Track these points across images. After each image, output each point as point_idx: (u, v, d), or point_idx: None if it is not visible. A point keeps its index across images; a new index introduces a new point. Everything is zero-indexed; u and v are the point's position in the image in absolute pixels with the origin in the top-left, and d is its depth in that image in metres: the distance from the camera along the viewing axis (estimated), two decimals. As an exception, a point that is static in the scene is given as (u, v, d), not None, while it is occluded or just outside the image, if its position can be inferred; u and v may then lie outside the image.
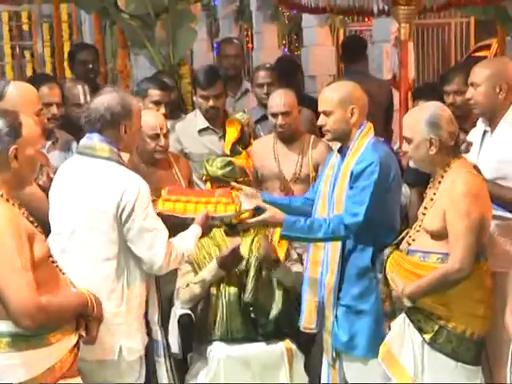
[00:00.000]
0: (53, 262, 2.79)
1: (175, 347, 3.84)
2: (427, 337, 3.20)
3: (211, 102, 4.59)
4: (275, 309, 3.86)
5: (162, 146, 4.00)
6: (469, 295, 3.19)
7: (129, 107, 3.24)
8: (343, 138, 3.59)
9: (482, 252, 3.25)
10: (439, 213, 3.20)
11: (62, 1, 7.84)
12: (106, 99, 3.23)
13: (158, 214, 3.41)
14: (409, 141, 3.30)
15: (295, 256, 4.06)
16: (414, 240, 3.28)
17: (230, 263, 3.82)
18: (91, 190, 3.18)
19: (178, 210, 3.55)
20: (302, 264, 4.09)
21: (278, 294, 3.88)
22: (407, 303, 3.24)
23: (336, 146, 3.73)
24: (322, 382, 3.80)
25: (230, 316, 3.83)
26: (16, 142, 2.64)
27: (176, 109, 5.19)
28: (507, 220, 3.54)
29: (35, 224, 2.73)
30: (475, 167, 3.38)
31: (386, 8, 4.82)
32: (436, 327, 3.19)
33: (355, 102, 3.52)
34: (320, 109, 3.57)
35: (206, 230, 3.59)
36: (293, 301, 3.93)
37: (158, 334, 3.52)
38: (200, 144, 4.68)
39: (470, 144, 3.33)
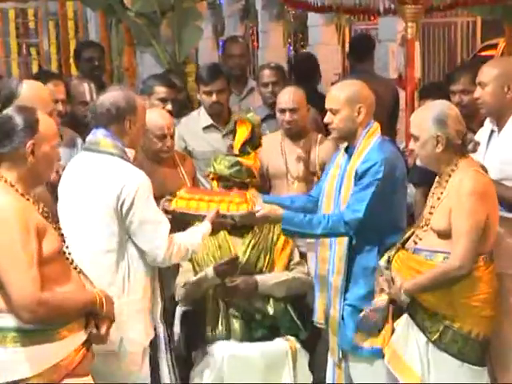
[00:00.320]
0: (67, 258, 2.79)
1: (179, 344, 3.86)
2: (432, 337, 3.20)
3: (214, 97, 4.61)
4: (270, 311, 3.86)
5: (169, 147, 4.02)
6: (475, 296, 3.18)
7: (133, 103, 3.31)
8: (349, 137, 3.58)
9: (489, 252, 3.24)
10: (446, 212, 3.19)
11: (68, -2, 7.87)
12: (112, 95, 3.31)
13: (172, 212, 3.53)
14: (416, 138, 3.29)
15: (297, 259, 4.05)
16: (420, 239, 3.28)
17: (226, 273, 3.82)
18: (93, 183, 3.25)
19: (191, 207, 3.60)
20: (307, 262, 4.11)
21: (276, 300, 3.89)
22: (405, 299, 3.24)
23: (343, 145, 3.73)
24: (327, 381, 3.80)
25: (228, 318, 3.83)
26: (33, 138, 2.66)
27: (184, 108, 5.19)
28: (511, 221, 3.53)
29: (50, 220, 2.73)
30: (482, 167, 3.37)
31: (392, 7, 4.81)
32: (441, 327, 3.19)
33: (363, 101, 3.51)
34: (327, 106, 3.57)
35: (217, 228, 3.60)
36: (291, 300, 3.93)
37: (160, 329, 3.55)
38: (204, 142, 4.69)
39: (477, 143, 3.32)
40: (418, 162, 3.55)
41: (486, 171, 3.37)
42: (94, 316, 2.78)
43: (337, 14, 8.99)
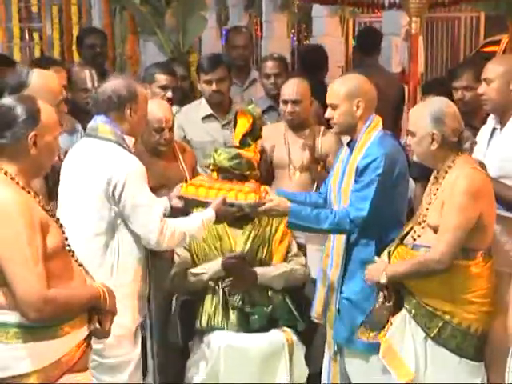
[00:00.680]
0: (69, 251, 2.74)
1: (175, 334, 3.87)
2: (431, 332, 3.21)
3: (214, 86, 4.61)
4: (269, 304, 3.87)
5: (166, 139, 4.01)
6: (474, 291, 3.19)
7: (134, 91, 3.37)
8: (350, 132, 3.58)
9: (488, 249, 3.25)
10: (440, 208, 3.20)
11: (71, -17, 7.83)
12: (113, 83, 3.37)
13: (180, 198, 3.58)
14: (412, 135, 3.30)
15: (295, 250, 4.06)
16: (419, 236, 3.28)
17: (234, 268, 3.83)
18: (86, 167, 3.31)
19: (200, 194, 3.63)
20: (305, 254, 4.12)
21: (275, 291, 3.91)
22: (384, 282, 3.25)
23: (345, 137, 3.73)
24: (322, 374, 3.81)
25: (224, 309, 3.83)
26: (35, 129, 2.59)
27: (187, 97, 5.19)
28: (509, 220, 3.53)
29: (51, 213, 2.68)
30: (481, 164, 3.37)
31: (397, 1, 4.81)
32: (440, 323, 3.19)
33: (361, 96, 3.50)
34: (327, 102, 3.57)
35: (223, 216, 3.59)
36: (290, 292, 3.95)
37: (144, 310, 3.54)
38: (202, 131, 4.69)
39: (474, 142, 3.32)
40: (415, 158, 3.56)
41: (485, 168, 3.37)
42: (97, 311, 2.73)
43: (341, 6, 8.98)
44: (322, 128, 4.47)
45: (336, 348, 3.65)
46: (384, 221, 3.45)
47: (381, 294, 3.33)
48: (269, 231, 3.97)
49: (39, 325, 2.54)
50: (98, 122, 3.35)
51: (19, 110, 2.59)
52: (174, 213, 3.60)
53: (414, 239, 3.30)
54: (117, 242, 3.33)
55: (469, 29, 12.51)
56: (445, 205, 3.17)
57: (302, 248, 4.15)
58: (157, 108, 3.92)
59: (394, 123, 5.51)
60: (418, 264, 3.21)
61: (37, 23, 9.11)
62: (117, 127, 3.34)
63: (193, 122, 4.72)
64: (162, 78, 4.53)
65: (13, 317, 2.52)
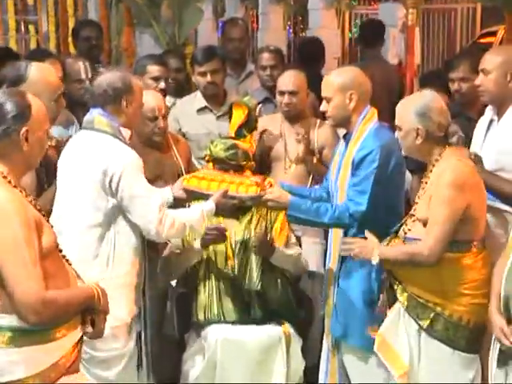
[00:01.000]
0: (60, 251, 2.67)
1: (171, 326, 3.87)
2: (424, 324, 3.21)
3: (209, 78, 4.62)
4: (274, 294, 3.86)
5: (160, 128, 4.00)
6: (465, 283, 3.18)
7: (130, 83, 3.39)
8: (344, 124, 3.58)
9: (481, 240, 3.24)
10: (427, 201, 3.20)
11: (67, -24, 7.81)
12: (108, 76, 3.39)
13: (183, 189, 3.60)
14: (399, 129, 3.29)
15: (293, 240, 4.06)
16: (409, 229, 3.29)
17: (211, 241, 3.78)
18: (82, 159, 3.33)
19: (202, 186, 3.63)
20: (300, 246, 4.11)
21: (279, 279, 3.89)
22: (374, 260, 3.25)
23: (341, 130, 3.73)
24: (321, 366, 3.82)
25: (221, 300, 3.83)
26: (26, 124, 2.50)
27: (183, 89, 5.17)
28: (503, 212, 3.53)
29: (42, 212, 2.62)
30: (476, 156, 3.36)
31: (395, -8, 4.81)
32: (432, 314, 3.20)
33: (354, 88, 3.50)
34: (322, 95, 3.58)
35: (223, 208, 3.59)
36: (291, 284, 3.94)
37: (139, 301, 3.52)
38: (197, 123, 4.69)
39: (461, 136, 3.29)
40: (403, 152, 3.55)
41: (481, 161, 3.36)
42: (90, 311, 2.66)
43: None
44: (318, 120, 4.46)
45: (334, 341, 3.66)
46: (381, 213, 3.44)
47: (381, 296, 3.35)
48: (268, 221, 3.96)
49: (35, 328, 2.46)
50: (95, 114, 3.37)
51: (9, 106, 2.50)
52: (177, 204, 3.61)
53: (405, 232, 3.30)
54: (113, 234, 3.34)
55: (465, 20, 12.48)
56: (431, 200, 3.17)
57: (298, 240, 4.14)
58: (150, 97, 3.90)
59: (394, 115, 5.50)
60: (406, 254, 3.22)
61: (32, 16, 9.09)
62: (113, 120, 3.35)
63: (188, 114, 4.72)
64: (153, 69, 4.53)
65: (8, 320, 2.45)
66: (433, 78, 4.45)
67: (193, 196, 3.67)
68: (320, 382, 3.83)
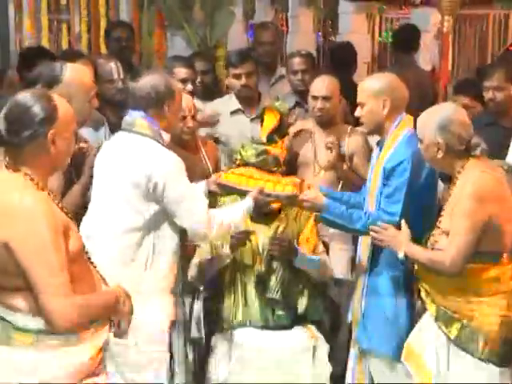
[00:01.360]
0: (86, 252, 2.67)
1: (198, 330, 3.86)
2: (452, 335, 3.18)
3: (243, 81, 4.63)
4: (301, 304, 3.85)
5: (189, 128, 4.02)
6: (491, 295, 3.16)
7: (172, 87, 3.38)
8: (378, 131, 3.57)
9: (509, 252, 3.20)
10: (450, 213, 3.18)
11: (99, -24, 7.83)
12: (151, 79, 3.37)
13: (219, 185, 3.63)
14: (420, 141, 3.26)
15: (321, 249, 4.03)
16: (436, 241, 3.26)
17: (238, 243, 3.78)
18: (123, 162, 3.30)
19: (239, 182, 3.68)
20: (328, 254, 4.09)
21: (305, 286, 3.87)
22: (400, 255, 3.24)
23: (373, 137, 3.71)
24: (347, 373, 3.82)
25: (247, 304, 3.83)
26: (53, 127, 2.48)
27: (211, 92, 5.17)
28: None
29: (69, 215, 2.60)
30: (509, 166, 3.31)
31: (430, -2, 4.77)
32: (460, 326, 3.17)
33: (388, 94, 3.48)
34: (357, 100, 3.57)
35: (260, 206, 3.60)
36: (319, 289, 3.92)
37: (176, 305, 3.53)
38: (231, 125, 4.70)
39: (483, 149, 3.23)
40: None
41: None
42: (115, 313, 2.66)
43: (369, 1, 8.90)
44: (349, 127, 4.45)
45: (359, 349, 3.64)
46: (414, 223, 3.40)
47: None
48: (296, 228, 3.94)
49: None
50: (136, 116, 3.34)
51: (37, 109, 2.46)
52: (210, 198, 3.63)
53: (432, 244, 3.28)
54: (152, 238, 3.31)
55: (497, 26, 12.38)
56: (453, 210, 3.15)
57: (326, 247, 4.13)
58: None
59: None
60: (429, 260, 3.20)
61: (65, 15, 9.13)
62: (154, 123, 3.33)
63: (221, 116, 4.73)
64: (181, 71, 4.55)
65: (34, 322, 2.45)
66: (467, 86, 4.41)
67: (229, 191, 3.69)
68: (346, 388, 3.83)
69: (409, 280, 3.45)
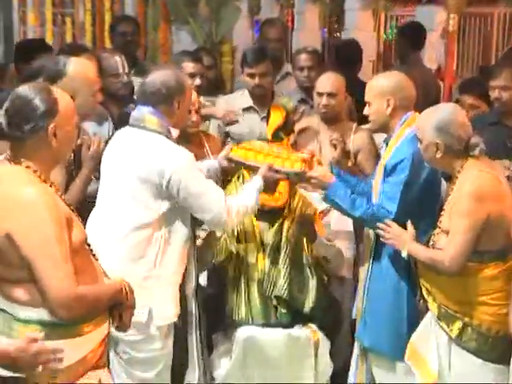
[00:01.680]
0: (88, 245, 2.67)
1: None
2: (453, 334, 3.19)
3: (257, 80, 4.62)
4: (307, 303, 3.84)
5: (193, 122, 4.01)
6: (491, 293, 3.16)
7: (183, 83, 3.35)
8: (384, 129, 3.58)
9: (505, 251, 3.20)
10: (450, 212, 3.19)
11: (104, -30, 7.83)
12: (162, 74, 3.34)
13: (229, 160, 3.60)
14: (420, 141, 3.26)
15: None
16: (436, 240, 3.27)
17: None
18: (134, 158, 3.26)
19: (248, 158, 3.63)
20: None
21: (312, 284, 3.87)
22: (403, 253, 3.26)
23: (379, 135, 3.71)
24: (350, 370, 3.82)
25: (250, 302, 3.82)
26: (54, 120, 2.48)
27: (214, 87, 5.16)
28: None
29: (71, 207, 2.61)
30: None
31: (436, -4, 4.77)
32: (461, 325, 3.18)
33: (393, 94, 3.48)
34: (365, 99, 3.57)
35: (269, 182, 3.57)
36: (325, 287, 3.92)
37: (192, 305, 3.54)
38: (242, 122, 4.68)
39: (483, 149, 3.23)
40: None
41: None
42: (118, 306, 2.67)
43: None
44: (354, 125, 4.44)
45: (362, 347, 3.65)
46: (414, 221, 3.40)
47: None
48: (300, 224, 3.93)
49: (64, 322, 2.47)
50: (145, 112, 3.30)
51: (37, 103, 2.46)
52: (223, 173, 3.66)
53: (433, 243, 3.29)
54: (163, 233, 3.28)
55: (502, 25, 12.35)
56: (452, 209, 3.16)
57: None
58: None
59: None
60: (430, 259, 3.22)
61: (69, 8, 9.13)
62: (164, 119, 3.30)
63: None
64: (189, 66, 4.55)
65: (37, 314, 2.46)
66: (472, 86, 4.40)
67: (239, 166, 3.67)
68: (348, 385, 3.83)
69: (411, 279, 3.44)
